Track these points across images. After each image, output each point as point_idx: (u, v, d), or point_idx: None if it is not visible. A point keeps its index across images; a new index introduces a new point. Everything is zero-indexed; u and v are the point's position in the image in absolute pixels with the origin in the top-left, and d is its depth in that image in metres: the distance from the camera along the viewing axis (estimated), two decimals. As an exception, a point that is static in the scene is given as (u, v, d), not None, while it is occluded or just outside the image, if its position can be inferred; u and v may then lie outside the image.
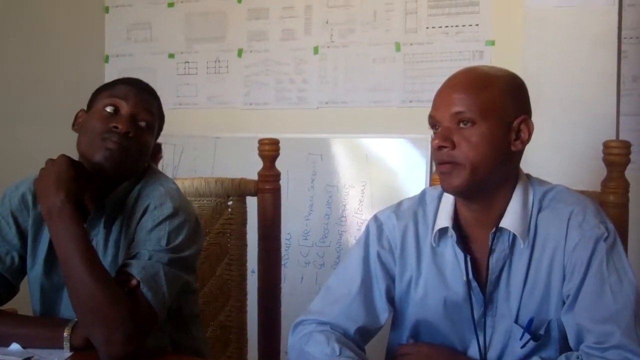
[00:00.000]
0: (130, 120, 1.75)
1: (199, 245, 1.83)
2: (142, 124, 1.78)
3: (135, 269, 1.65)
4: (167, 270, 1.68)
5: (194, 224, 1.80)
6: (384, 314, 1.65)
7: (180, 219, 1.76)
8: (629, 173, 1.94)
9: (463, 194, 1.55)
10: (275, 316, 2.31)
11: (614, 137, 2.30)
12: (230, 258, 2.31)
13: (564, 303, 1.51)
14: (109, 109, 1.75)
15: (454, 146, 1.49)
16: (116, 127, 1.72)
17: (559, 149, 2.23)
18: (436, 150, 1.51)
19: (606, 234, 1.51)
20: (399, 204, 1.72)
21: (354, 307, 1.62)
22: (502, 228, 1.54)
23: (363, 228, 2.48)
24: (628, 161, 1.88)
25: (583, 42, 2.39)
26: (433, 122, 1.55)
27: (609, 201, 1.86)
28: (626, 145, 1.87)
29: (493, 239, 1.55)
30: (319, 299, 1.68)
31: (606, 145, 1.89)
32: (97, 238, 1.79)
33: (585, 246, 1.50)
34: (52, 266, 1.80)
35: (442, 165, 1.51)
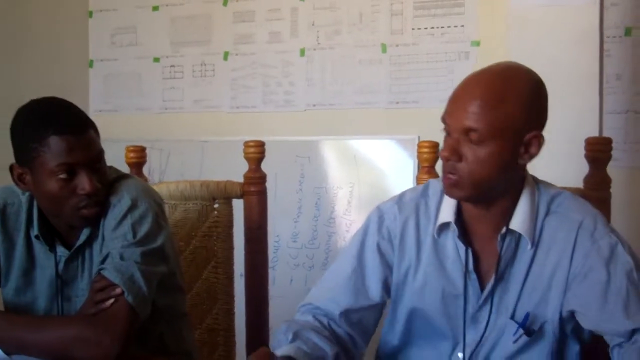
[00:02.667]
0: (91, 174, 1.70)
1: (167, 230, 1.81)
2: (98, 164, 1.74)
3: (111, 273, 1.66)
4: (143, 270, 1.68)
5: (156, 211, 1.79)
6: (377, 298, 1.66)
7: (142, 209, 1.76)
8: (613, 170, 1.95)
9: (468, 201, 1.57)
10: (262, 319, 2.31)
11: (597, 135, 2.30)
12: (217, 261, 2.30)
13: (562, 305, 1.54)
14: (62, 176, 1.67)
15: (460, 159, 1.49)
16: (85, 194, 1.69)
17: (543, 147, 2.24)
18: (444, 160, 1.52)
19: (619, 242, 1.54)
20: (402, 195, 1.73)
21: (342, 291, 1.65)
22: (510, 229, 1.56)
23: (352, 229, 2.46)
24: (609, 157, 1.90)
25: (565, 40, 2.41)
26: (445, 126, 1.54)
27: (591, 197, 1.86)
28: (607, 142, 1.89)
29: (503, 240, 1.55)
30: (316, 286, 1.73)
31: (588, 142, 1.91)
32: (79, 259, 1.80)
33: (599, 253, 1.52)
34: (23, 285, 1.81)
35: (447, 176, 1.52)
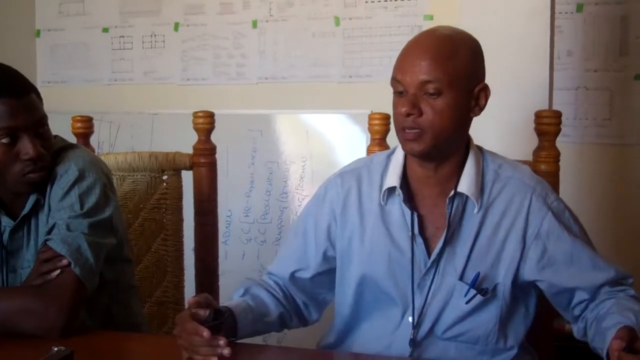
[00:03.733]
0: (34, 138, 1.67)
1: (115, 201, 1.80)
2: (42, 129, 1.71)
3: (57, 244, 1.64)
4: (90, 241, 1.66)
5: (104, 182, 1.77)
6: (316, 268, 1.75)
7: (89, 180, 1.73)
8: (562, 145, 1.97)
9: (424, 157, 1.60)
10: (212, 291, 2.29)
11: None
12: (166, 234, 2.29)
13: (517, 267, 1.60)
14: (5, 140, 1.65)
15: (420, 114, 1.53)
16: (29, 159, 1.66)
17: (493, 120, 2.24)
18: (403, 116, 1.54)
19: (566, 208, 1.65)
20: (346, 166, 1.79)
21: (289, 257, 1.78)
22: (458, 192, 1.60)
23: (304, 204, 2.43)
24: (559, 130, 1.92)
25: (517, 15, 2.42)
26: (398, 86, 1.57)
27: (541, 170, 1.89)
28: (557, 115, 1.91)
29: (451, 202, 1.60)
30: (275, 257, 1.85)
31: (538, 115, 1.92)
32: (24, 230, 1.77)
33: (554, 217, 1.61)
34: None
35: (408, 131, 1.55)
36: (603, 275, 1.59)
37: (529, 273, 1.61)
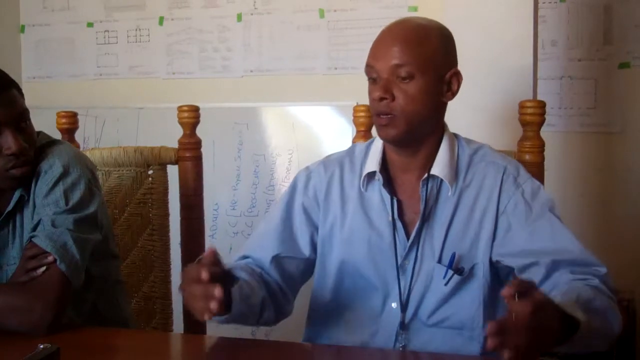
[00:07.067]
0: (17, 133, 1.67)
1: (99, 197, 1.79)
2: (23, 124, 1.70)
3: (43, 240, 1.63)
4: (75, 237, 1.66)
5: (89, 178, 1.77)
6: (306, 253, 1.74)
7: (74, 176, 1.73)
8: (547, 135, 1.98)
9: (398, 143, 1.63)
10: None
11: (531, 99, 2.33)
12: (153, 228, 2.28)
13: (492, 246, 1.61)
14: None
15: (393, 98, 1.57)
16: (11, 154, 1.65)
17: (477, 111, 2.26)
18: (377, 101, 1.58)
19: (540, 186, 1.66)
20: (329, 155, 1.82)
21: (269, 238, 1.73)
22: (432, 175, 1.62)
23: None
24: (543, 121, 1.92)
25: (501, 5, 2.42)
26: (371, 72, 1.61)
27: (525, 160, 1.90)
28: (541, 105, 1.91)
29: (425, 185, 1.62)
30: (248, 239, 1.81)
31: (522, 105, 1.93)
32: (10, 227, 1.76)
33: (523, 194, 1.62)
34: None
35: (381, 116, 1.59)
36: (563, 254, 1.54)
37: (496, 249, 1.61)
